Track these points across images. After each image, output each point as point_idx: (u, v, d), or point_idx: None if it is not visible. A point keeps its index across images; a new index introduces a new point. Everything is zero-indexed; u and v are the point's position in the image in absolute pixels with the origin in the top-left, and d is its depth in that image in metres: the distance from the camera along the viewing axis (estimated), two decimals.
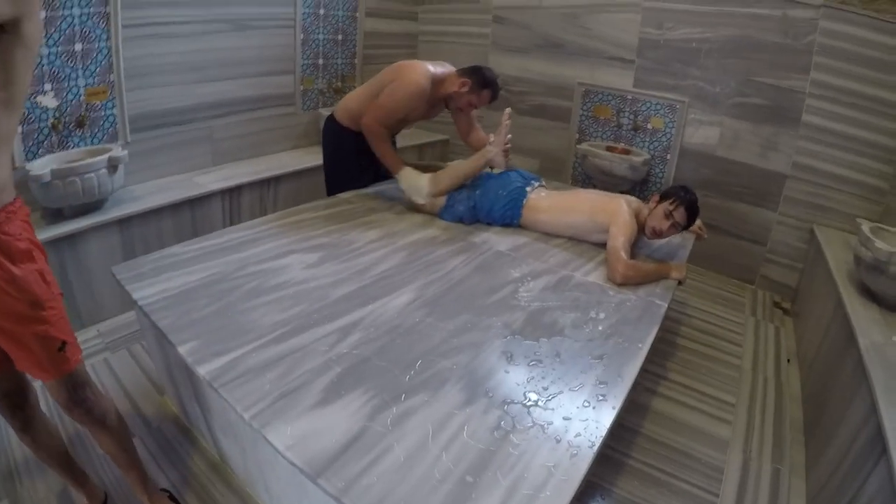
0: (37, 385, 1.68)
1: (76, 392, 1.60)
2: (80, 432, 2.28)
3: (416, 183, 2.81)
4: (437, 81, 2.92)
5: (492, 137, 2.85)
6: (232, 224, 3.62)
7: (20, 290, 1.39)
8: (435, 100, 2.99)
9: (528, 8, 4.57)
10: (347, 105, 3.16)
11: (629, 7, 4.01)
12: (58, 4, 2.91)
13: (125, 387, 2.40)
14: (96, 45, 3.21)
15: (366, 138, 2.99)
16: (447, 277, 2.14)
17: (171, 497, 2.01)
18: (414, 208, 2.85)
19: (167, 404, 2.46)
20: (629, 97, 4.13)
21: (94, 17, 3.16)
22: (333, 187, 3.29)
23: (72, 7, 3.00)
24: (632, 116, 4.14)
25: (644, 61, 4.02)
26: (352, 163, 3.24)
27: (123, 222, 3.04)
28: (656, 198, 2.48)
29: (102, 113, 3.31)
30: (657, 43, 3.93)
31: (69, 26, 2.98)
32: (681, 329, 3.09)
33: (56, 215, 2.80)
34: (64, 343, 1.49)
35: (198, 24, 3.72)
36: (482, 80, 2.93)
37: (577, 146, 4.29)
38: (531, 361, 1.65)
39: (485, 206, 2.72)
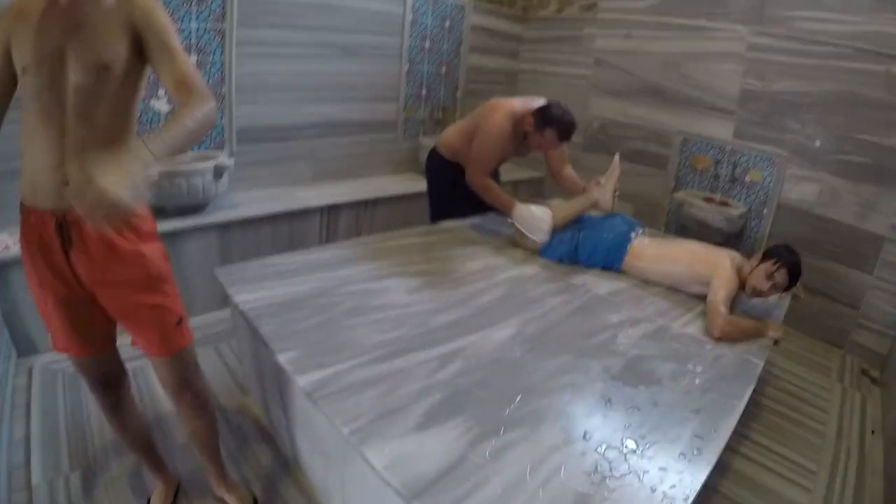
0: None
1: (187, 371, 1.73)
2: (162, 419, 2.43)
3: (536, 219, 2.80)
4: (517, 120, 2.93)
5: (602, 180, 2.90)
6: (328, 241, 3.81)
7: (147, 263, 1.58)
8: (520, 138, 3.01)
9: (629, 53, 4.59)
10: (447, 139, 3.29)
11: (731, 57, 3.99)
12: (177, 17, 3.15)
13: (210, 382, 2.50)
14: (210, 58, 3.46)
15: (463, 173, 3.08)
16: (547, 316, 2.16)
17: (254, 498, 2.08)
18: (517, 243, 2.90)
19: (249, 405, 2.56)
20: (728, 148, 4.07)
21: (211, 33, 3.42)
22: (436, 215, 3.39)
23: (190, 21, 3.26)
24: (730, 168, 4.08)
25: (744, 112, 3.98)
26: (452, 193, 3.33)
27: (223, 227, 3.23)
28: (759, 256, 2.45)
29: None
30: (758, 94, 3.88)
31: (186, 38, 3.24)
32: (766, 389, 3.02)
33: (158, 212, 2.94)
34: (181, 318, 1.65)
35: (308, 46, 3.93)
36: (544, 120, 2.86)
37: (674, 194, 4.27)
38: (629, 408, 1.66)
39: (587, 247, 2.74)
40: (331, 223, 3.90)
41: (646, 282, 2.64)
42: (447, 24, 4.75)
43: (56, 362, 2.86)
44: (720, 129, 4.12)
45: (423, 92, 4.79)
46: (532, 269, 2.64)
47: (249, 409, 2.54)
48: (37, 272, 1.54)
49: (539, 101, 3.02)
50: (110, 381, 1.76)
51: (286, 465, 2.20)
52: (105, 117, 1.48)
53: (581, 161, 4.96)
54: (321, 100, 4.11)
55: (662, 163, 4.51)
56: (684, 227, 4.11)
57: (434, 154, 3.36)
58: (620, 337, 2.06)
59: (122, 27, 1.43)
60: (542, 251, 2.81)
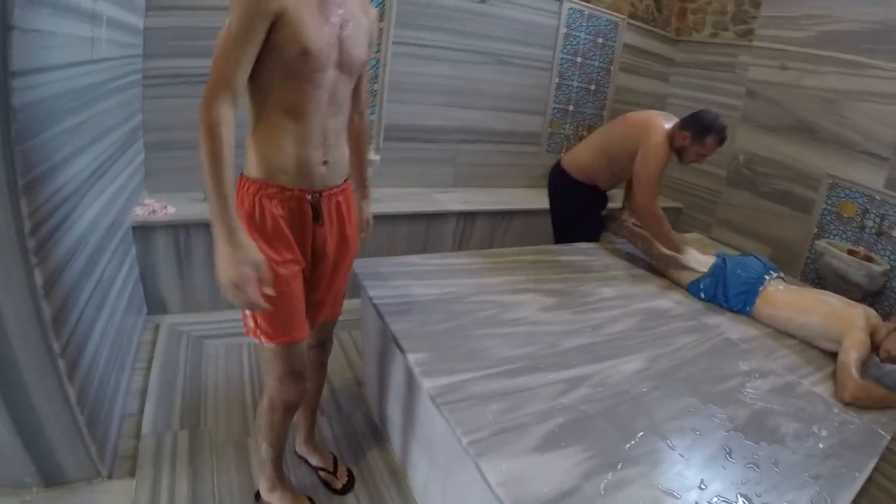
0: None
1: (333, 331, 2.07)
2: None
3: (701, 265, 2.86)
4: (669, 138, 2.94)
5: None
6: (461, 247, 3.93)
7: (355, 241, 1.87)
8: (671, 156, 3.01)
9: (784, 85, 4.46)
10: (579, 159, 3.28)
11: (891, 99, 3.80)
12: None
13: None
14: None
15: (592, 194, 3.21)
16: (677, 354, 2.17)
17: (334, 458, 2.23)
18: (668, 276, 2.94)
19: (363, 398, 2.65)
20: (878, 198, 3.90)
21: None
22: (562, 236, 3.42)
23: None
24: (877, 219, 3.90)
25: None
26: (579, 213, 3.37)
27: None
28: None
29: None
30: None
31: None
32: (881, 464, 2.85)
33: None
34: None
35: (461, 52, 4.06)
36: (701, 128, 2.88)
37: (815, 242, 4.13)
38: (748, 463, 1.65)
39: (722, 284, 2.72)
40: (466, 230, 4.01)
41: (777, 331, 2.58)
42: (600, 40, 4.78)
43: (183, 324, 3.09)
44: (872, 177, 3.94)
45: (571, 108, 4.85)
46: (666, 303, 2.64)
47: (362, 403, 2.64)
48: (285, 249, 1.61)
49: (672, 117, 3.05)
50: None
51: (391, 468, 2.27)
52: (348, 103, 1.71)
53: (723, 196, 4.87)
54: (469, 105, 4.24)
55: (807, 207, 4.35)
56: (822, 277, 3.98)
57: (560, 172, 3.36)
58: (748, 387, 2.05)
59: None
60: (690, 285, 2.82)
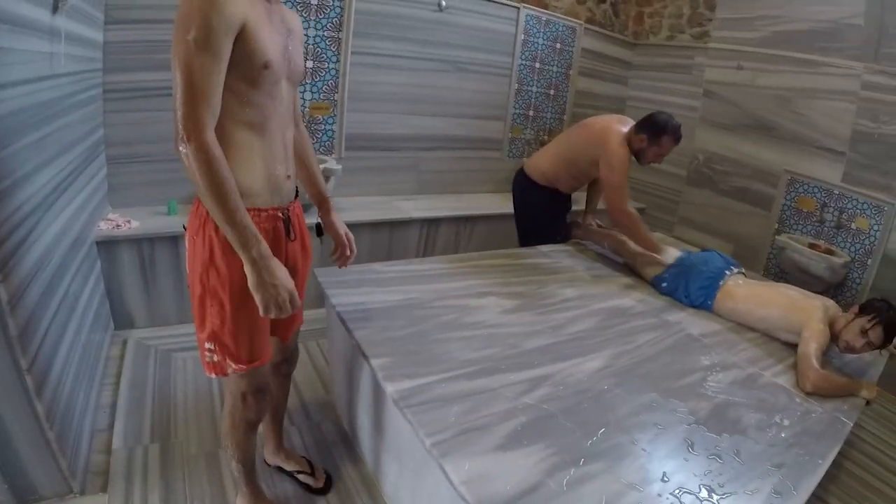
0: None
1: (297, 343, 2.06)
2: None
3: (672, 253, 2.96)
4: (627, 141, 3.00)
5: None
6: (426, 253, 3.93)
7: (311, 249, 1.85)
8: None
9: (740, 85, 4.54)
10: (541, 164, 3.34)
11: (845, 95, 3.88)
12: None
13: (295, 377, 2.44)
14: (326, 65, 3.66)
15: (555, 197, 3.27)
16: (638, 351, 2.18)
17: (308, 461, 2.22)
18: (632, 268, 2.99)
19: (332, 406, 2.65)
20: (836, 192, 3.97)
21: (328, 41, 3.63)
22: (526, 239, 3.46)
23: (307, 28, 3.47)
24: (836, 213, 3.97)
25: (855, 155, 3.87)
26: (543, 217, 3.41)
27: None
28: (855, 309, 2.39)
29: (322, 127, 3.76)
30: (871, 137, 3.77)
31: (304, 45, 3.37)
32: (850, 451, 2.91)
33: None
34: None
35: (420, 60, 4.07)
36: (656, 130, 2.96)
37: (777, 237, 4.19)
38: (710, 454, 1.66)
39: (683, 279, 2.75)
40: (430, 236, 4.02)
41: (739, 325, 2.61)
42: (558, 45, 4.83)
43: (150, 338, 3.07)
44: (829, 171, 4.02)
45: (531, 113, 4.89)
46: (628, 301, 2.66)
47: (331, 410, 2.64)
48: None
49: (628, 120, 3.12)
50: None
51: (362, 475, 2.27)
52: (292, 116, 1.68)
53: (684, 195, 4.92)
54: (429, 113, 4.26)
55: (767, 203, 4.42)
56: (784, 272, 4.04)
57: (523, 177, 3.42)
58: (709, 381, 2.06)
59: None
60: (654, 279, 2.86)
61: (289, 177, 1.63)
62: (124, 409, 2.51)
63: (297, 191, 1.75)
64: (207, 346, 1.59)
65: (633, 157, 3.05)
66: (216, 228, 1.46)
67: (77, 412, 2.17)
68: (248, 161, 1.49)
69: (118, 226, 2.98)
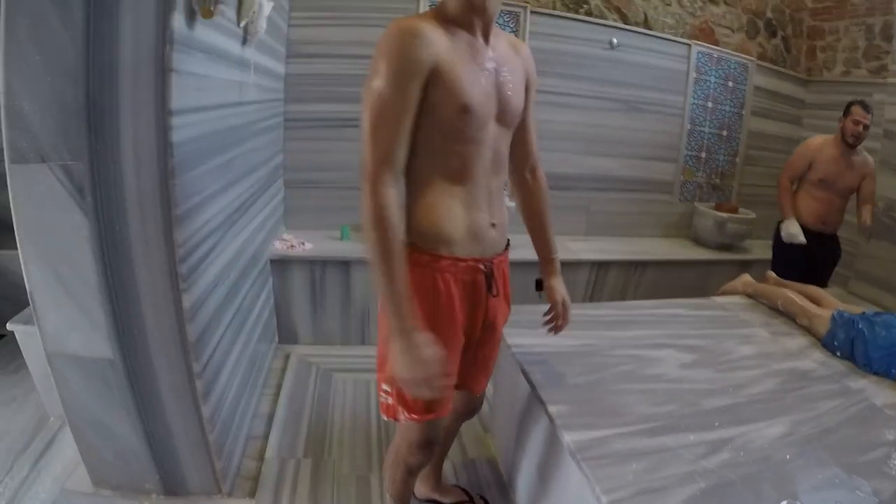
0: None
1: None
2: None
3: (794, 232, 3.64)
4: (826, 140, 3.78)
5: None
6: (594, 296, 3.99)
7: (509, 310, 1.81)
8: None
9: None
10: None
11: None
12: None
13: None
14: None
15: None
16: (819, 420, 2.10)
17: (465, 491, 2.29)
18: (800, 324, 2.90)
19: (489, 444, 2.71)
20: None
21: None
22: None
23: None
24: None
25: None
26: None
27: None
28: None
29: None
30: None
31: None
32: None
33: None
34: None
35: (592, 98, 4.18)
36: (846, 107, 3.66)
37: None
38: None
39: (862, 344, 2.56)
40: (598, 279, 4.05)
41: None
42: (730, 84, 4.79)
43: (312, 356, 3.26)
44: None
45: (703, 155, 4.85)
46: (807, 363, 2.56)
47: (487, 449, 2.69)
48: (452, 329, 1.55)
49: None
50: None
51: None
52: (507, 159, 1.66)
53: (862, 247, 4.67)
54: (601, 153, 4.35)
55: None
56: None
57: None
58: (895, 457, 1.95)
59: None
60: (825, 338, 2.71)
61: (493, 225, 1.58)
62: (281, 421, 2.67)
63: (507, 242, 1.74)
64: (384, 387, 1.59)
65: (844, 144, 3.67)
66: (419, 277, 1.46)
67: (237, 418, 2.36)
68: (447, 209, 1.47)
69: (292, 246, 3.26)
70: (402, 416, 1.59)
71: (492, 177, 1.56)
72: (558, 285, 1.93)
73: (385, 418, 1.66)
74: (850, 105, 3.64)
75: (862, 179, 3.81)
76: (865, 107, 3.61)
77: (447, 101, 1.36)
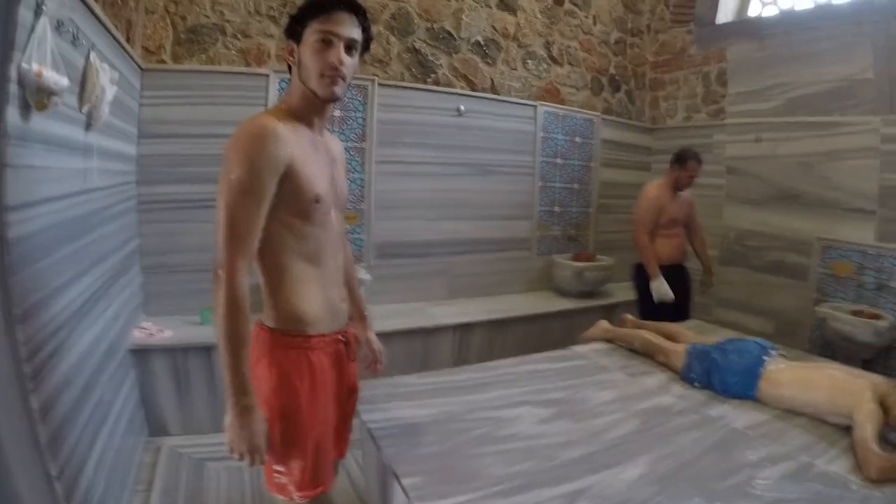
0: None
1: None
2: None
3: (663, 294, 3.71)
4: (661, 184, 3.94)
5: None
6: (460, 358, 3.92)
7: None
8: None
9: (762, 157, 4.58)
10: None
11: (866, 152, 3.89)
12: None
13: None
14: (352, 175, 3.78)
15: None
16: (680, 454, 2.08)
17: None
18: (660, 362, 2.93)
19: None
20: (871, 252, 3.90)
21: (353, 151, 3.78)
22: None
23: None
24: (874, 274, 3.88)
25: (885, 211, 3.82)
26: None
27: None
28: None
29: (351, 236, 3.83)
30: None
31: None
32: None
33: None
34: None
35: (444, 165, 4.21)
36: (676, 159, 3.87)
37: (816, 308, 4.05)
38: None
39: (718, 372, 2.62)
40: (463, 341, 4.01)
41: (787, 411, 2.47)
42: (577, 139, 4.95)
43: (183, 447, 3.09)
44: (861, 232, 3.97)
45: (556, 209, 4.96)
46: (667, 399, 2.57)
47: None
48: (327, 400, 1.64)
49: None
50: None
51: None
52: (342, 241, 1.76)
53: (719, 275, 4.79)
54: (457, 217, 4.36)
55: (802, 273, 4.34)
56: (829, 343, 3.90)
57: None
58: (759, 478, 1.95)
59: None
60: (682, 371, 2.76)
61: (343, 300, 1.72)
62: None
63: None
64: (277, 468, 1.60)
65: (675, 191, 3.89)
66: (293, 359, 1.55)
67: None
68: (307, 291, 1.56)
69: (151, 334, 3.09)
70: (294, 494, 1.62)
71: (337, 256, 1.69)
72: (373, 337, 2.10)
73: (276, 496, 1.66)
74: (685, 159, 3.84)
75: (690, 209, 4.06)
76: (699, 161, 3.87)
77: (301, 193, 1.47)
